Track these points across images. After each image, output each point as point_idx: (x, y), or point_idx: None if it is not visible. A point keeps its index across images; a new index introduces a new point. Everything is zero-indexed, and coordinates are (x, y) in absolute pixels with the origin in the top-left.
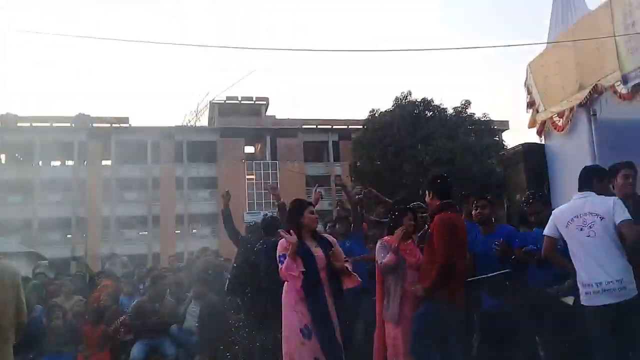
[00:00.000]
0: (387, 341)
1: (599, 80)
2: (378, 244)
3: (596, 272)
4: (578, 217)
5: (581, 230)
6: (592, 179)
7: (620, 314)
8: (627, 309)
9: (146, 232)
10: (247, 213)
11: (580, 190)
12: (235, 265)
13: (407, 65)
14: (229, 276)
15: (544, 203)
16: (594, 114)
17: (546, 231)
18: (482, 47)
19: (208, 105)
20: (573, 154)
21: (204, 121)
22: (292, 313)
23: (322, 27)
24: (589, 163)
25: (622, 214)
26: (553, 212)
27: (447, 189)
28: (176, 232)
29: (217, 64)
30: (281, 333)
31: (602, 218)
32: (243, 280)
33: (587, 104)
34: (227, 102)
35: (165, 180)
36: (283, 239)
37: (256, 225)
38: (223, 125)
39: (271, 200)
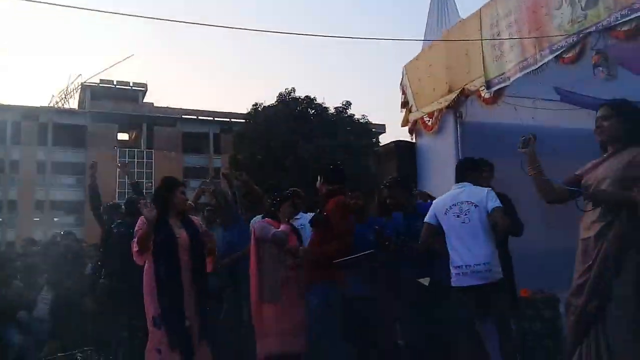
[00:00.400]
0: (262, 321)
1: (466, 85)
2: (258, 224)
3: (466, 255)
4: (455, 205)
5: (457, 217)
6: (467, 171)
7: (485, 294)
8: (491, 290)
9: (0, 218)
10: (118, 202)
11: (457, 181)
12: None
13: (292, 60)
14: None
15: (403, 188)
16: (460, 116)
17: (426, 219)
18: (361, 38)
19: (79, 88)
20: (440, 152)
21: (73, 104)
22: (148, 297)
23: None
24: (453, 161)
25: (494, 202)
26: (434, 201)
27: (340, 176)
28: (35, 219)
29: (92, 44)
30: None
31: (476, 206)
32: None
33: (454, 106)
34: (100, 84)
35: (26, 163)
36: (142, 217)
37: (114, 205)
38: (95, 109)
39: (144, 190)
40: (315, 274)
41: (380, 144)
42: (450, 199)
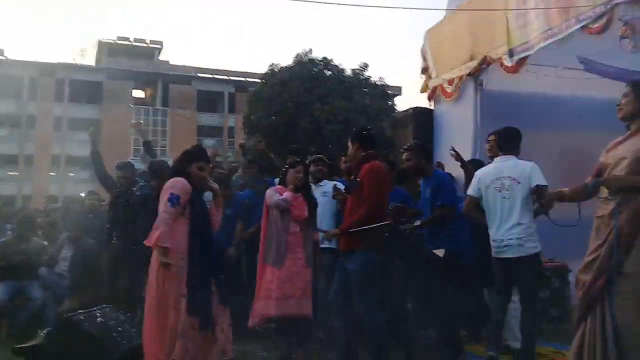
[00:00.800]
0: (263, 284)
1: (488, 52)
2: (268, 191)
3: (502, 229)
4: (498, 180)
5: (499, 191)
6: (513, 142)
7: (514, 266)
8: (521, 264)
9: (16, 172)
10: (132, 159)
11: (502, 150)
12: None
13: (309, 21)
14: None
15: (424, 154)
16: (481, 84)
17: (469, 191)
18: (383, 7)
19: (97, 44)
20: (458, 120)
21: (90, 61)
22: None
23: None
24: (471, 130)
25: (539, 179)
26: (476, 173)
27: (372, 140)
28: (51, 174)
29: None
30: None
31: (519, 182)
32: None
33: (475, 74)
34: (117, 42)
35: (42, 118)
36: (180, 180)
37: (127, 164)
38: (111, 66)
39: (159, 148)
40: (351, 242)
41: (396, 107)
42: (494, 173)
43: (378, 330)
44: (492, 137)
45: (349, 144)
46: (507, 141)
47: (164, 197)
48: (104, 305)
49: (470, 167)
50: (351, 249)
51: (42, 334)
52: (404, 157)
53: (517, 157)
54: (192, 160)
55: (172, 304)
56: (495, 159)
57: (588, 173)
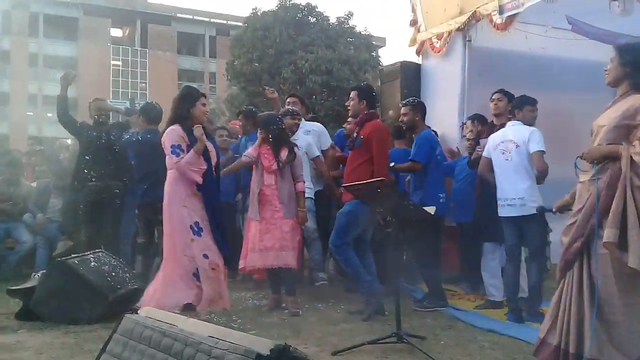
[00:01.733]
0: (249, 236)
1: (478, 8)
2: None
3: (506, 189)
4: (502, 143)
5: (502, 154)
6: (521, 107)
7: (519, 225)
8: (525, 222)
9: None
10: (111, 101)
11: (511, 116)
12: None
13: None
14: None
15: (421, 111)
16: (469, 40)
17: (484, 153)
18: None
19: None
20: (446, 75)
21: None
22: (181, 208)
23: None
24: (458, 86)
25: (536, 144)
26: (490, 137)
27: (375, 99)
28: (28, 113)
29: None
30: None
31: (518, 146)
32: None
33: (464, 29)
34: None
35: (17, 54)
36: (172, 128)
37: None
38: (87, 1)
39: (138, 91)
40: (348, 194)
41: (380, 59)
42: (500, 136)
43: (349, 264)
44: (496, 96)
45: (355, 96)
46: (515, 107)
47: (167, 149)
48: (97, 250)
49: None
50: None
51: (36, 276)
52: (401, 112)
53: (523, 122)
54: (194, 101)
55: (180, 250)
56: (507, 124)
57: (574, 134)
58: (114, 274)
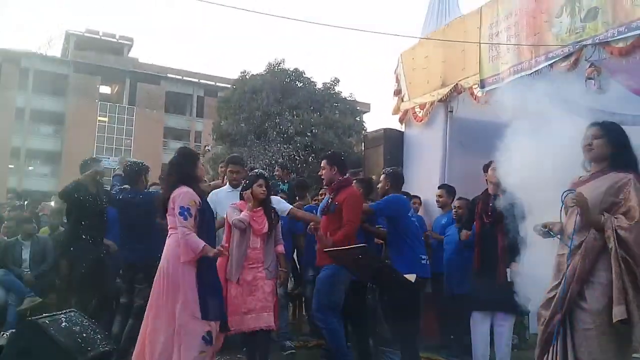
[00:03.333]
0: (229, 299)
1: (460, 81)
2: (229, 209)
3: None
4: None
5: None
6: None
7: None
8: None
9: None
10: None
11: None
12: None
13: (283, 32)
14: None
15: (394, 180)
16: (451, 111)
17: None
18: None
19: (63, 35)
20: (428, 144)
21: (56, 52)
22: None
23: None
24: (440, 154)
25: None
26: None
27: (344, 164)
28: (10, 166)
29: None
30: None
31: None
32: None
33: (446, 101)
34: (85, 34)
35: (4, 107)
36: (186, 190)
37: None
38: (78, 59)
39: (123, 147)
40: (325, 259)
41: (364, 124)
42: None
43: (333, 335)
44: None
45: (325, 164)
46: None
47: (174, 209)
48: (69, 310)
49: None
50: (325, 265)
51: (4, 335)
52: (380, 179)
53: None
54: (196, 161)
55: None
56: None
57: (550, 204)
58: (85, 335)
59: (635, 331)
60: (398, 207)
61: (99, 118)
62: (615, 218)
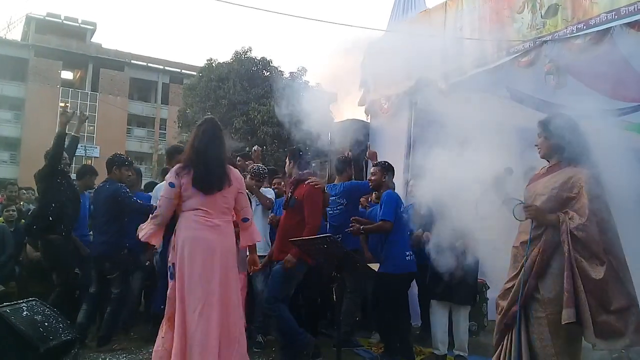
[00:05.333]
0: None
1: (423, 74)
2: None
3: None
4: None
5: None
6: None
7: None
8: None
9: None
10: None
11: None
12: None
13: (250, 20)
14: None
15: (386, 172)
16: (415, 103)
17: None
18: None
19: (24, 19)
20: (393, 134)
21: (16, 36)
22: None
23: None
24: (405, 145)
25: None
26: None
27: (304, 159)
28: None
29: None
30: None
31: None
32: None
33: (410, 93)
34: (47, 18)
35: None
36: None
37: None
38: (39, 43)
39: (86, 134)
40: (284, 252)
41: (331, 114)
42: None
43: (284, 321)
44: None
45: (287, 159)
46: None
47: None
48: (30, 299)
49: None
50: (281, 259)
51: None
52: (371, 171)
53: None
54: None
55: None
56: None
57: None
58: (46, 324)
59: (587, 333)
60: (398, 203)
61: (60, 104)
62: (570, 219)
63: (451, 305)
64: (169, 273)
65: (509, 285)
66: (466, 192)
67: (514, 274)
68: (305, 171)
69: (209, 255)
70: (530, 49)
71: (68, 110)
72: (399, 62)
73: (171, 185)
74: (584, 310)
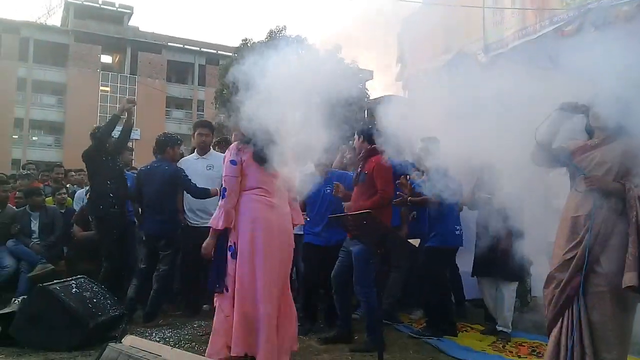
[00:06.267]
0: None
1: (463, 46)
2: None
3: None
4: None
5: None
6: None
7: None
8: None
9: None
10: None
11: None
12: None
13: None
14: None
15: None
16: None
17: None
18: None
19: (62, 4)
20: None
21: (56, 22)
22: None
23: None
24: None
25: None
26: None
27: (373, 134)
28: (14, 136)
29: None
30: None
31: None
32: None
33: (449, 66)
34: (85, 3)
35: (5, 79)
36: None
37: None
38: (78, 28)
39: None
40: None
41: (367, 91)
42: None
43: (373, 308)
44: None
45: (356, 138)
46: None
47: None
48: (79, 276)
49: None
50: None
51: (16, 301)
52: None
53: None
54: None
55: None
56: None
57: None
58: (95, 300)
59: None
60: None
61: (101, 88)
62: (635, 186)
63: (498, 281)
64: (229, 252)
65: (568, 256)
66: (507, 164)
67: (573, 244)
68: (374, 146)
69: (270, 235)
70: (574, 18)
71: (133, 99)
72: (437, 35)
73: (233, 162)
74: None
